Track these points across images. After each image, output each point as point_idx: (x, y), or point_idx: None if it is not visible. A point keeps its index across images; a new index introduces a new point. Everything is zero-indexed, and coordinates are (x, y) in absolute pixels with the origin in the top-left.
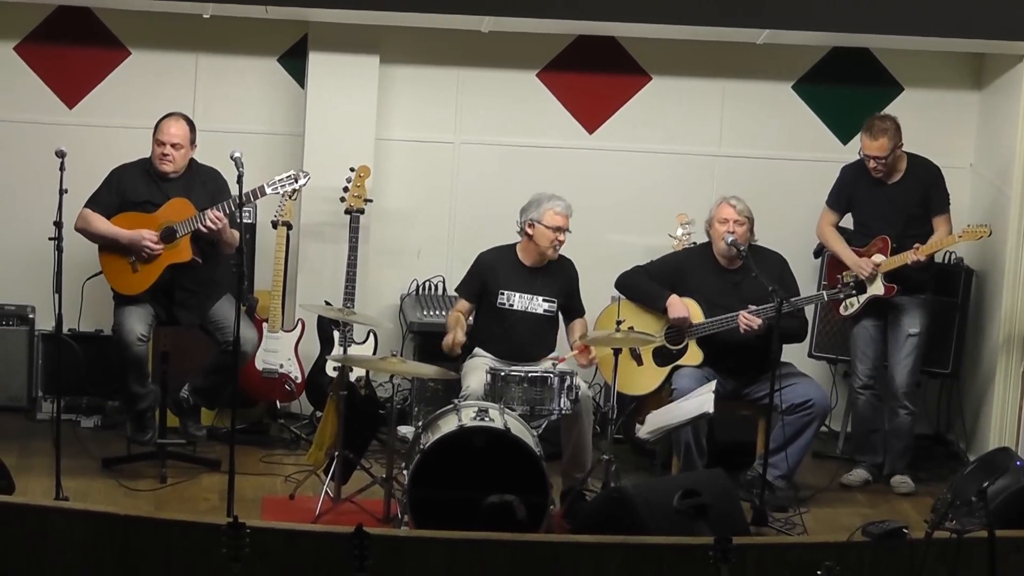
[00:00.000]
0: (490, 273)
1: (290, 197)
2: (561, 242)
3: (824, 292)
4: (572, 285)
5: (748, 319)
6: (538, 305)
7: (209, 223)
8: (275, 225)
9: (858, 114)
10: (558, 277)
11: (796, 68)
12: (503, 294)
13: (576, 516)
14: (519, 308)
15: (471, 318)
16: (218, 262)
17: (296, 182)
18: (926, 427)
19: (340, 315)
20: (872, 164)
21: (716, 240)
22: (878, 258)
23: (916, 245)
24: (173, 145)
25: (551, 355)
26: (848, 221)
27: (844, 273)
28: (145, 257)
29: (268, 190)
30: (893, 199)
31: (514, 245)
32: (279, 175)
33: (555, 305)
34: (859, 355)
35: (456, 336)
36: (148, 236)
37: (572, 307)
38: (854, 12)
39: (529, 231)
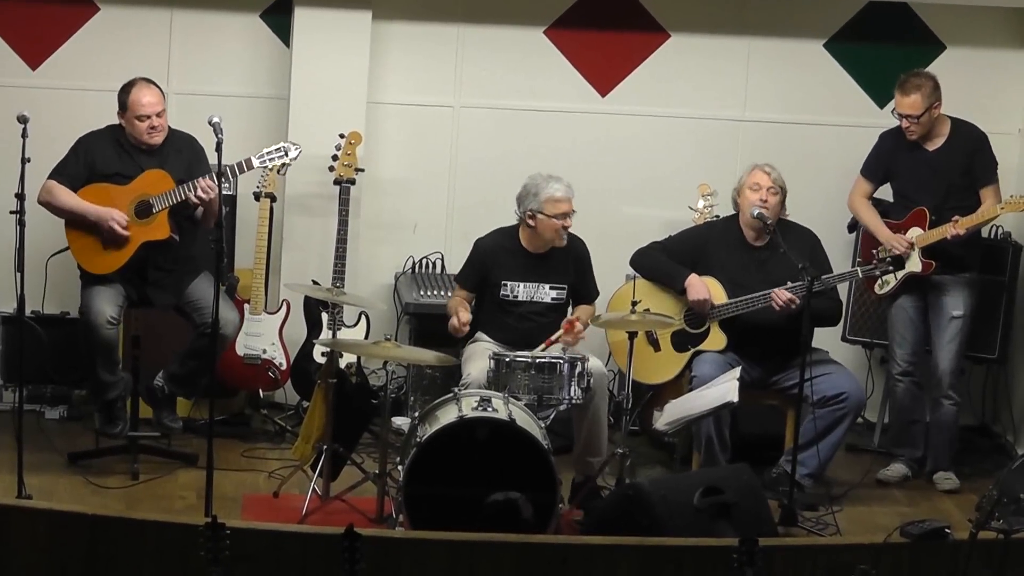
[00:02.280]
0: (491, 262)
1: (279, 171)
2: (567, 227)
3: (858, 268)
4: (583, 265)
5: (785, 297)
6: (545, 294)
7: (201, 193)
8: (257, 197)
9: (896, 75)
10: (566, 260)
11: (828, 25)
12: (506, 285)
13: (589, 512)
14: (524, 298)
15: (472, 303)
16: (195, 238)
17: (286, 155)
18: (970, 418)
19: (329, 295)
20: (905, 124)
21: (744, 209)
22: (914, 232)
23: (955, 217)
24: (158, 114)
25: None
26: (887, 193)
27: (880, 248)
28: (113, 239)
29: (256, 163)
30: (934, 168)
31: (515, 228)
32: (267, 147)
33: (564, 292)
34: (897, 339)
35: (460, 317)
36: (118, 218)
37: (582, 290)
38: None
39: (531, 223)
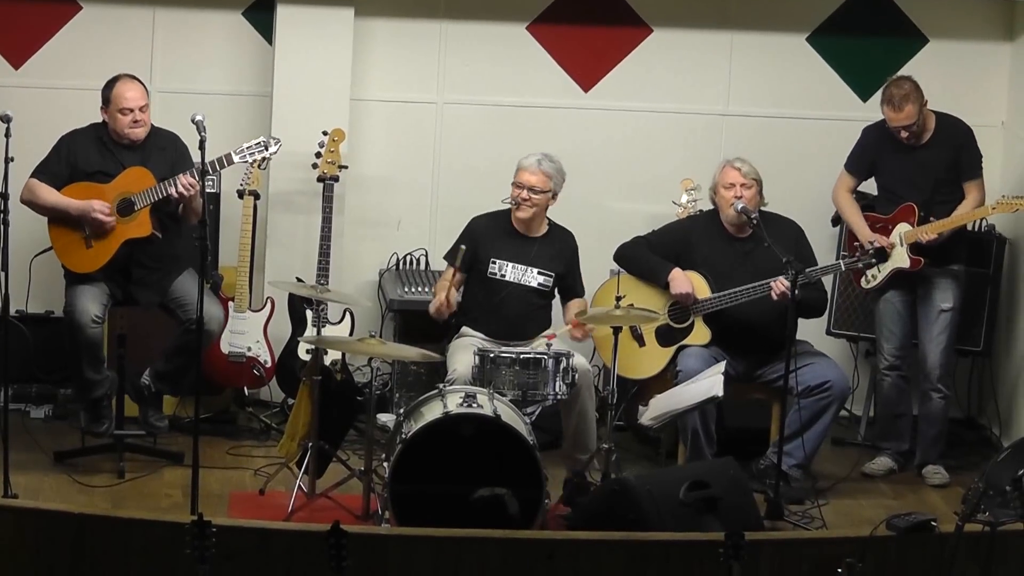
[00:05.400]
0: (482, 239)
1: (259, 166)
2: (525, 200)
3: (841, 261)
4: (571, 259)
5: (784, 284)
6: (532, 278)
7: (181, 188)
8: (241, 194)
9: (879, 68)
10: (557, 248)
11: (811, 18)
12: (495, 263)
13: (575, 508)
14: (512, 279)
15: (460, 291)
16: (179, 235)
17: (266, 150)
18: (956, 411)
19: (313, 293)
20: (904, 135)
21: (723, 208)
22: (903, 228)
23: (931, 217)
24: (141, 108)
25: (544, 332)
26: (872, 187)
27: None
28: (97, 230)
29: (235, 158)
30: (921, 163)
31: (509, 211)
32: (247, 142)
33: (551, 279)
34: (885, 333)
35: (447, 295)
36: (99, 207)
37: (569, 284)
38: None
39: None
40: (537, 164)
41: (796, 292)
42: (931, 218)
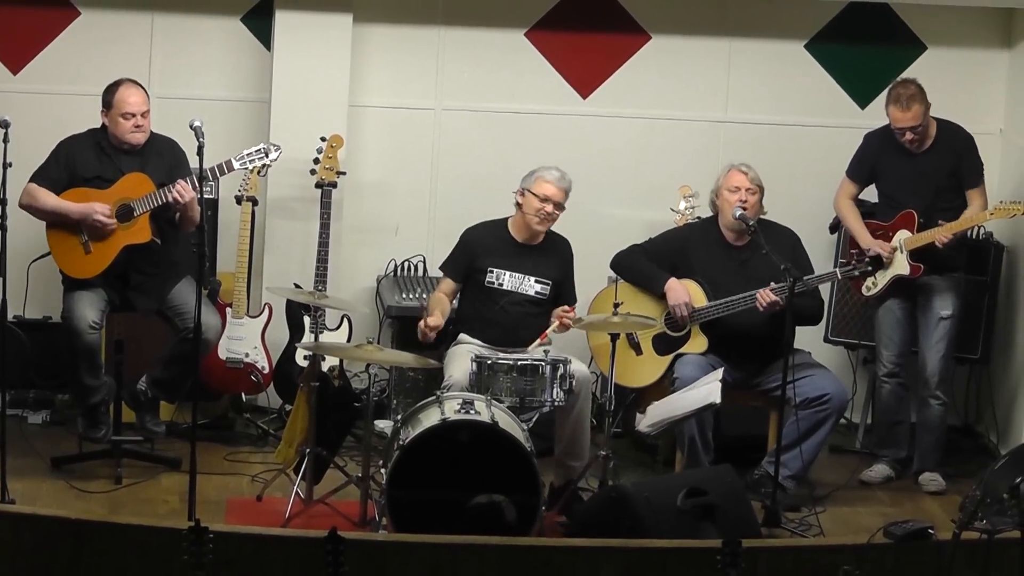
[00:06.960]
0: (479, 249)
1: (260, 173)
2: (548, 214)
3: (837, 270)
4: (567, 267)
5: (770, 299)
6: (530, 286)
7: (177, 195)
8: (239, 200)
9: (877, 75)
10: (553, 257)
11: (809, 25)
12: (492, 272)
13: (571, 516)
14: (509, 288)
15: (455, 301)
16: (177, 242)
17: (267, 156)
18: (954, 418)
19: (311, 299)
20: (908, 136)
21: (724, 212)
22: (903, 234)
23: (940, 221)
24: (142, 114)
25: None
26: (873, 194)
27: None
28: (97, 233)
29: (236, 165)
30: (921, 170)
31: (505, 220)
32: (247, 149)
33: (548, 287)
34: (884, 340)
35: (427, 321)
36: (100, 209)
37: (563, 292)
38: None
39: (520, 200)
40: (561, 179)
41: (791, 301)
42: (939, 222)
